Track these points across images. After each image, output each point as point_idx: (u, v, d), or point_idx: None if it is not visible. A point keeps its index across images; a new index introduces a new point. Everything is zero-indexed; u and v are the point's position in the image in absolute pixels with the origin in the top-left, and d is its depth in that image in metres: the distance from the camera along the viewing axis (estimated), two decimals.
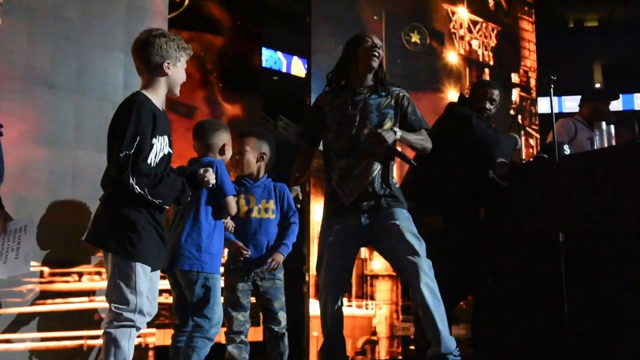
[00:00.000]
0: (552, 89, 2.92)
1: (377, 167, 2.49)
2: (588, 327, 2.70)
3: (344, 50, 2.66)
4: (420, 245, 2.39)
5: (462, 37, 5.06)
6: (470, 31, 5.13)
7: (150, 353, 3.08)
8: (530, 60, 5.68)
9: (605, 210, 2.71)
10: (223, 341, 2.63)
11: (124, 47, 2.95)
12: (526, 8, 5.77)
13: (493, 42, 5.33)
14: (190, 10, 4.12)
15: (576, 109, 3.95)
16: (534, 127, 5.60)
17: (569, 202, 2.83)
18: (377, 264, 4.22)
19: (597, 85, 11.82)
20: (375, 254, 3.91)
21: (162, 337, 3.21)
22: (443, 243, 2.93)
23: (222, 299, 2.50)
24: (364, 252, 4.09)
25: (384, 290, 4.27)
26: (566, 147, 3.26)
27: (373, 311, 4.16)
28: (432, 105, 4.49)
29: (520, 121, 3.59)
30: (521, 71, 5.59)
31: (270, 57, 8.09)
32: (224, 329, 2.59)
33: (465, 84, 4.89)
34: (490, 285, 3.19)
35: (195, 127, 2.61)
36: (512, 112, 5.29)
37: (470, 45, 5.11)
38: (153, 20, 3.16)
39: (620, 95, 9.84)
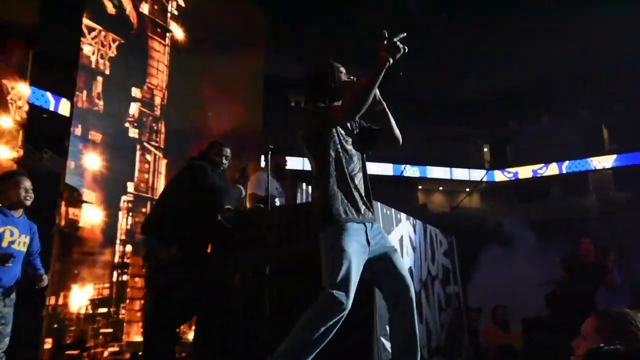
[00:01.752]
0: (269, 152, 3.82)
1: None
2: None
3: (322, 74, 2.76)
4: None
5: None
6: (83, 36, 4.93)
7: None
8: (157, 79, 5.66)
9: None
10: None
11: None
12: (159, 30, 5.79)
13: (113, 53, 5.18)
14: None
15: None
16: (153, 143, 5.59)
17: (274, 242, 3.66)
18: None
19: None
20: None
21: None
22: (177, 272, 3.45)
23: None
24: None
25: None
26: (277, 200, 4.17)
27: None
28: None
29: (245, 174, 4.36)
30: (145, 87, 5.51)
31: (41, 97, 8.55)
32: None
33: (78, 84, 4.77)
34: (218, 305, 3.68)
35: None
36: (127, 124, 5.28)
37: (81, 49, 4.88)
38: None
39: None
